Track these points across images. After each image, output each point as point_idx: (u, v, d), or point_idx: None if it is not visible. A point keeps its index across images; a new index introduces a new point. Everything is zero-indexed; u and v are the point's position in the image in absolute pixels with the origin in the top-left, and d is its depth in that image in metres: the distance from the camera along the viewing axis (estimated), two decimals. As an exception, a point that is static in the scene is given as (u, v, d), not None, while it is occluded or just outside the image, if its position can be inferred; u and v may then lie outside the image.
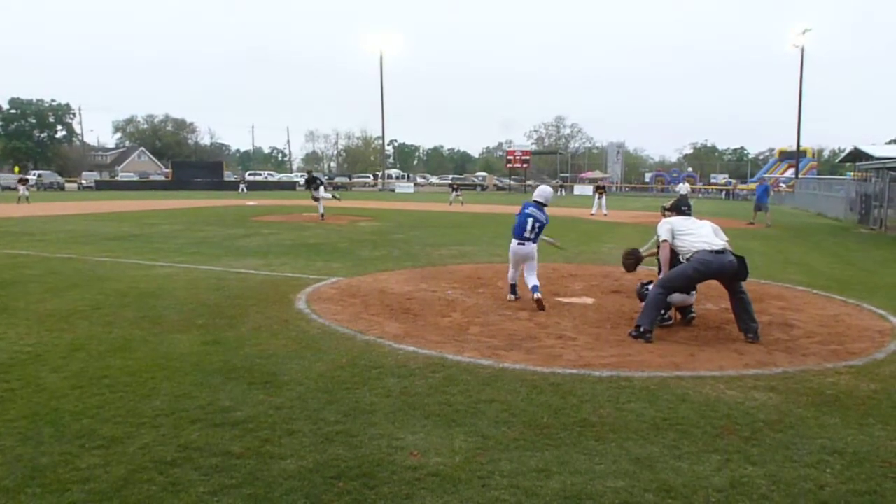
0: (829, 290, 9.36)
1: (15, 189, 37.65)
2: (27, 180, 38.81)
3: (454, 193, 39.38)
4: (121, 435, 3.92)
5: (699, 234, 6.59)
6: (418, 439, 3.91)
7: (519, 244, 8.10)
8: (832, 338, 6.60)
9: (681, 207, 7.09)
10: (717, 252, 6.40)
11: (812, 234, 21.04)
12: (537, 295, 7.70)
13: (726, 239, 6.75)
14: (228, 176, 72.14)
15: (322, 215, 22.30)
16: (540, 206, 8.27)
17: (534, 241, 8.12)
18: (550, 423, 4.18)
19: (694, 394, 4.79)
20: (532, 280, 7.92)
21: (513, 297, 8.29)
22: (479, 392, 4.77)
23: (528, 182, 71.95)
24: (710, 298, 8.13)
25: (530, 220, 8.09)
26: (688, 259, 6.53)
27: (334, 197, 25.76)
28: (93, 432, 3.95)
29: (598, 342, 6.30)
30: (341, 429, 4.06)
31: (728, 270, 6.44)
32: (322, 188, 23.10)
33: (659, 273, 7.01)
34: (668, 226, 6.80)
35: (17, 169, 73.59)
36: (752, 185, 53.45)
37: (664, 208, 7.40)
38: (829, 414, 4.45)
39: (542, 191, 8.56)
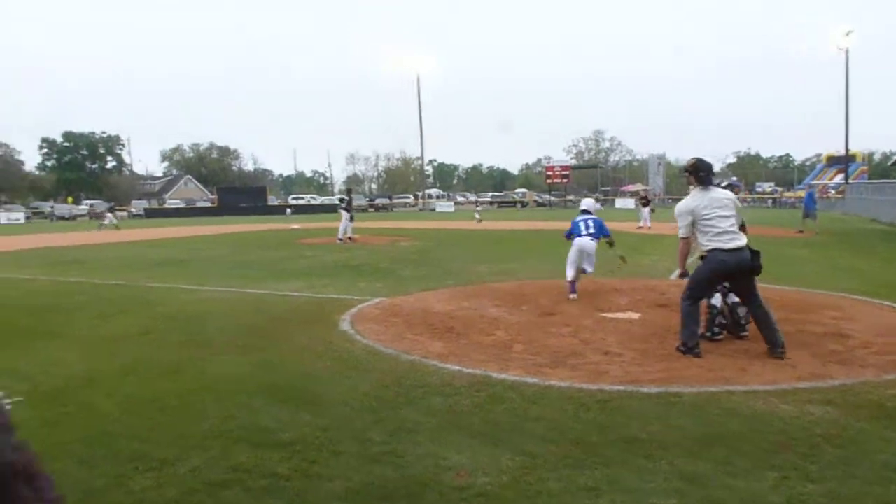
0: (886, 298, 9.04)
1: (101, 217, 39.94)
2: (114, 209, 40.94)
3: (477, 210, 40.05)
4: (172, 457, 3.98)
5: (719, 228, 6.15)
6: (464, 459, 3.88)
7: (579, 238, 9.67)
8: (891, 348, 6.34)
9: (699, 173, 6.41)
10: (733, 250, 6.09)
11: (865, 240, 20.45)
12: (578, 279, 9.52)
13: (742, 219, 6.42)
14: (272, 200, 73.53)
15: (340, 239, 21.42)
16: (587, 213, 10.13)
17: (593, 237, 9.68)
18: (598, 441, 4.11)
19: (746, 409, 4.66)
20: (588, 269, 9.72)
21: (574, 295, 9.43)
22: (525, 410, 4.72)
23: (569, 197, 71.61)
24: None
25: (582, 223, 9.80)
26: (702, 257, 6.32)
27: (344, 239, 21.49)
28: (145, 455, 4.02)
29: (644, 357, 6.18)
30: (387, 449, 4.05)
31: (745, 267, 6.13)
32: (346, 216, 21.81)
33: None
34: (689, 217, 6.28)
35: (70, 199, 76.18)
36: (801, 193, 52.36)
37: (685, 170, 6.78)
38: (891, 428, 4.27)
39: (585, 202, 10.78)
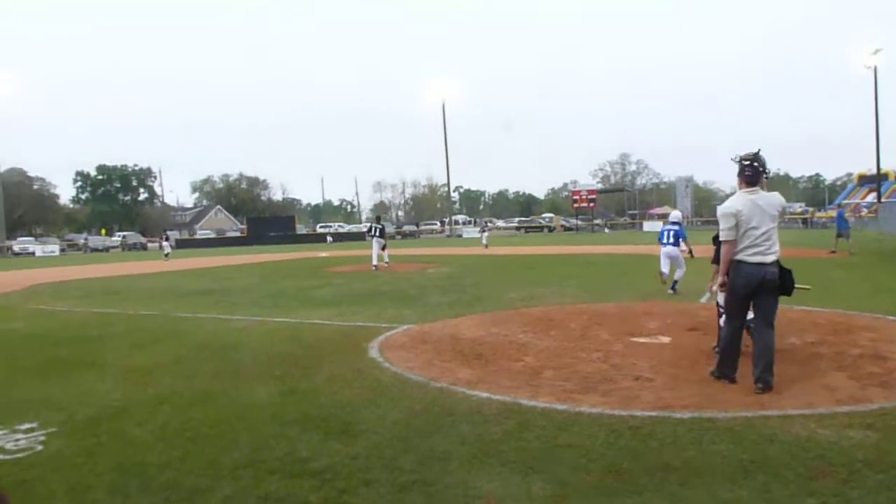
0: (925, 320, 8.81)
1: (160, 247, 42.81)
2: (168, 237, 43.16)
3: (484, 234, 39.74)
4: (203, 487, 3.99)
5: (752, 238, 5.67)
6: (495, 487, 3.84)
7: (663, 247, 12.91)
8: (932, 370, 6.17)
9: (745, 172, 5.84)
10: (758, 264, 5.66)
11: (901, 261, 19.99)
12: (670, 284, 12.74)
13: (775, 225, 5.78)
14: (300, 229, 74.42)
15: (375, 266, 21.81)
16: (674, 223, 13.11)
17: (674, 244, 12.74)
18: (631, 468, 4.04)
19: (782, 433, 4.56)
20: (676, 275, 12.81)
21: (671, 291, 12.66)
22: (556, 437, 4.67)
23: (596, 221, 71.26)
24: (794, 332, 7.79)
25: (666, 232, 13.04)
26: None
27: (379, 265, 22.14)
28: (177, 484, 4.04)
29: (676, 382, 6.09)
30: (417, 477, 4.03)
31: (769, 283, 5.67)
32: (379, 243, 22.36)
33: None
34: (732, 220, 5.72)
35: (104, 231, 77.81)
36: (831, 213, 51.55)
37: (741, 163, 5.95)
38: (934, 452, 4.14)
39: (674, 215, 13.75)
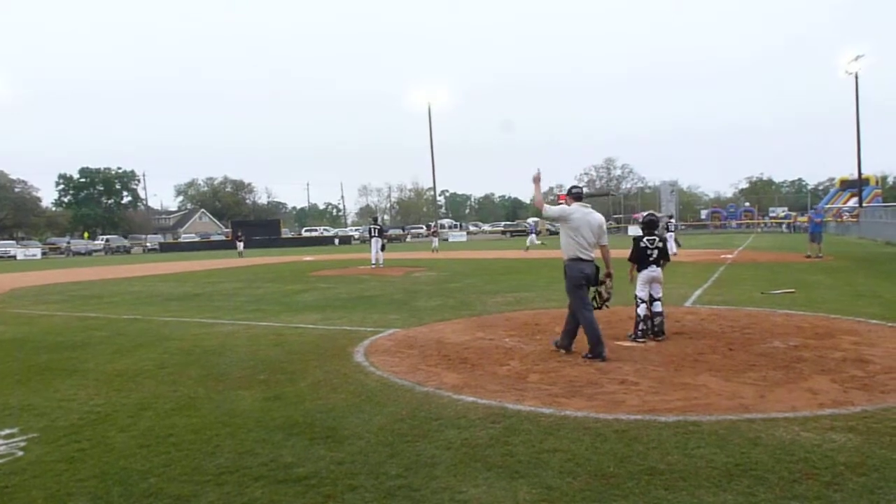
0: (906, 323, 8.91)
1: (234, 246, 45.54)
2: (241, 237, 45.39)
3: (435, 239, 40.11)
4: (187, 493, 3.95)
5: (583, 240, 7.38)
6: (481, 492, 3.83)
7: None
8: (912, 373, 6.24)
9: (572, 191, 7.81)
10: (589, 260, 7.39)
11: (883, 264, 20.22)
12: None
13: (605, 244, 7.59)
14: (286, 233, 74.15)
15: (373, 265, 23.65)
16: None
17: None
18: (617, 473, 4.05)
19: (767, 437, 4.59)
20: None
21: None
22: (542, 441, 4.67)
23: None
24: (777, 336, 7.85)
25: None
26: (565, 268, 7.47)
27: (377, 265, 24.24)
28: (160, 491, 4.00)
29: (661, 386, 6.12)
30: (403, 483, 4.01)
31: (593, 276, 7.41)
32: (378, 243, 24.18)
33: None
34: (562, 214, 7.49)
35: (86, 235, 77.15)
36: (803, 219, 52.11)
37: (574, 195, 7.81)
38: (915, 455, 4.18)
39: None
